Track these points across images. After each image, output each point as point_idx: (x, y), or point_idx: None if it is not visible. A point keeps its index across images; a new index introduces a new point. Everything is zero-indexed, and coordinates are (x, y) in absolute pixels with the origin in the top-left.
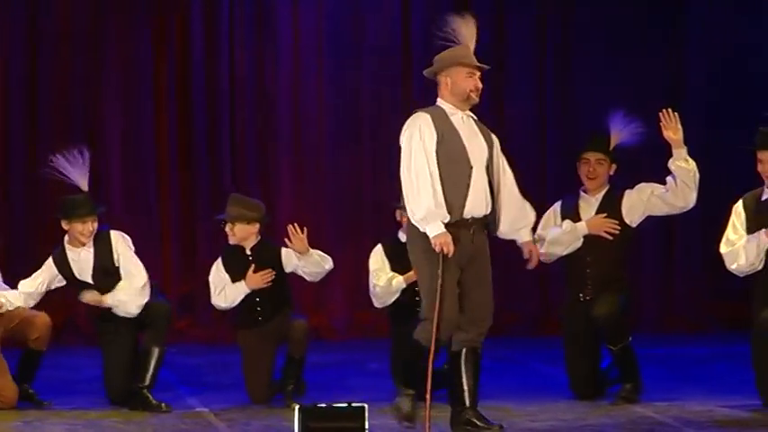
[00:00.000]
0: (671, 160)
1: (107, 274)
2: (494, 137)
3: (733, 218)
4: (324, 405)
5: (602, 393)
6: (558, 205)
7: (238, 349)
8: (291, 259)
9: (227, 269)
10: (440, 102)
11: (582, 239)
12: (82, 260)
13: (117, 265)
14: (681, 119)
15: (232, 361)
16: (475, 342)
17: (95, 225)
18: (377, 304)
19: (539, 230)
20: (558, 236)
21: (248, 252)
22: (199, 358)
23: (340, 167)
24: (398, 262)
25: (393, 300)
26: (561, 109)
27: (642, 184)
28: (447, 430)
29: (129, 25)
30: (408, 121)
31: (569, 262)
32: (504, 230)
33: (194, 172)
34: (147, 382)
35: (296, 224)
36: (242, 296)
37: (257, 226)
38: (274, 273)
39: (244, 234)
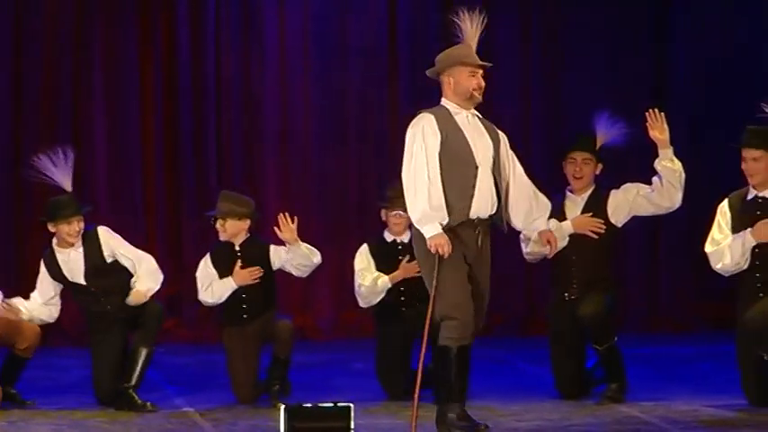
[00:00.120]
0: (657, 160)
1: (99, 273)
2: (501, 134)
3: (718, 217)
4: (309, 405)
5: (588, 393)
6: None
7: (224, 349)
8: (280, 255)
9: (216, 265)
10: (444, 101)
11: (567, 239)
12: (72, 261)
13: (108, 261)
14: (667, 119)
15: (218, 361)
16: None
17: (82, 225)
18: (362, 304)
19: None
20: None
21: (237, 248)
22: (185, 358)
23: (326, 168)
24: (384, 262)
25: (378, 300)
26: (547, 109)
27: (628, 184)
28: (433, 430)
29: (115, 26)
30: (413, 122)
31: (555, 262)
32: (519, 224)
33: (180, 173)
34: (134, 381)
35: (286, 213)
36: (229, 292)
37: (248, 222)
38: (262, 270)
39: (234, 230)
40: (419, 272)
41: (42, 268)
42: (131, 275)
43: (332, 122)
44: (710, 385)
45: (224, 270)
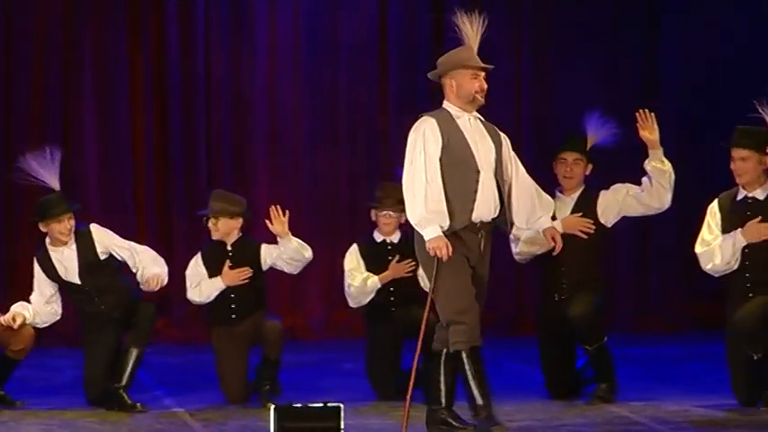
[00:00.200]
0: (647, 161)
1: (93, 271)
2: (503, 135)
3: (708, 218)
4: (299, 405)
5: (578, 393)
6: None
7: (213, 349)
8: (271, 252)
9: (206, 264)
10: (446, 104)
11: None
12: (65, 259)
13: (102, 258)
14: (657, 119)
15: (208, 361)
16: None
17: (72, 222)
18: (352, 304)
19: (513, 230)
20: (534, 235)
21: (229, 248)
22: (175, 358)
23: (316, 167)
24: (374, 262)
25: (368, 300)
26: (537, 110)
27: (617, 185)
28: (423, 430)
29: (105, 25)
30: (414, 126)
31: (545, 262)
32: (522, 223)
33: (170, 172)
34: (124, 381)
35: (278, 206)
36: (217, 292)
37: (240, 221)
38: (251, 271)
39: (227, 229)
40: (409, 272)
41: (36, 268)
42: (125, 275)
43: (322, 122)
44: (700, 385)
45: (214, 269)
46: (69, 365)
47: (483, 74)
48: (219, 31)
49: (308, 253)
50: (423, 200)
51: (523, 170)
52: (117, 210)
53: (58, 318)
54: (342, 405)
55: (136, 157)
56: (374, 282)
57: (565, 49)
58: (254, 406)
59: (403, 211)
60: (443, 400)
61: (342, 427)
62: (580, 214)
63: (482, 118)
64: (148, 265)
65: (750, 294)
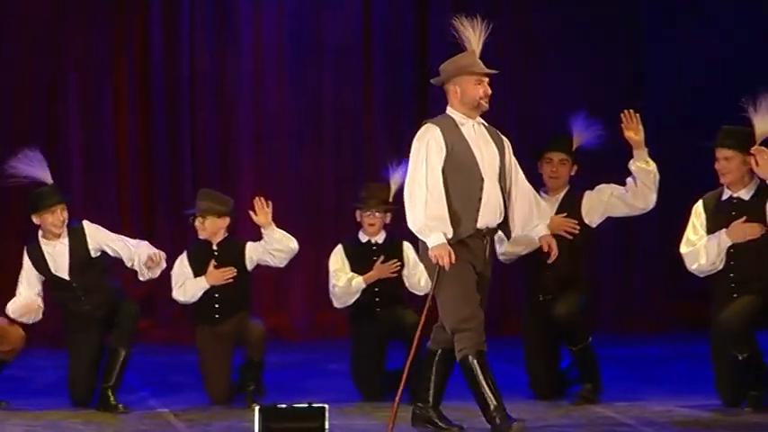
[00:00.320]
0: (631, 161)
1: (83, 268)
2: (505, 140)
3: (693, 218)
4: (284, 405)
5: (563, 393)
6: None
7: (196, 349)
8: (256, 248)
9: (192, 263)
10: (449, 111)
11: None
12: (57, 253)
13: (93, 255)
14: (641, 120)
15: (193, 361)
16: (452, 345)
17: (65, 214)
18: (337, 305)
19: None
20: (518, 236)
21: (215, 247)
22: (159, 359)
23: (301, 168)
24: (358, 262)
25: (353, 300)
26: (522, 110)
27: (602, 185)
28: (409, 430)
29: (89, 26)
30: (418, 133)
31: (529, 262)
32: (518, 230)
33: (155, 173)
34: (113, 381)
35: (262, 198)
36: (201, 292)
37: (227, 220)
38: (236, 271)
39: (214, 228)
40: (393, 273)
41: (26, 261)
42: (113, 276)
43: (307, 122)
44: (685, 385)
45: (199, 269)
46: (51, 366)
47: (487, 79)
48: (204, 31)
49: (293, 243)
50: (422, 207)
51: (523, 176)
52: (102, 210)
53: (40, 317)
54: (327, 405)
55: (120, 158)
56: (359, 282)
57: (550, 49)
58: (238, 407)
59: (387, 211)
60: (431, 399)
61: (326, 427)
62: (565, 215)
63: (485, 123)
64: (145, 251)
65: (735, 294)
